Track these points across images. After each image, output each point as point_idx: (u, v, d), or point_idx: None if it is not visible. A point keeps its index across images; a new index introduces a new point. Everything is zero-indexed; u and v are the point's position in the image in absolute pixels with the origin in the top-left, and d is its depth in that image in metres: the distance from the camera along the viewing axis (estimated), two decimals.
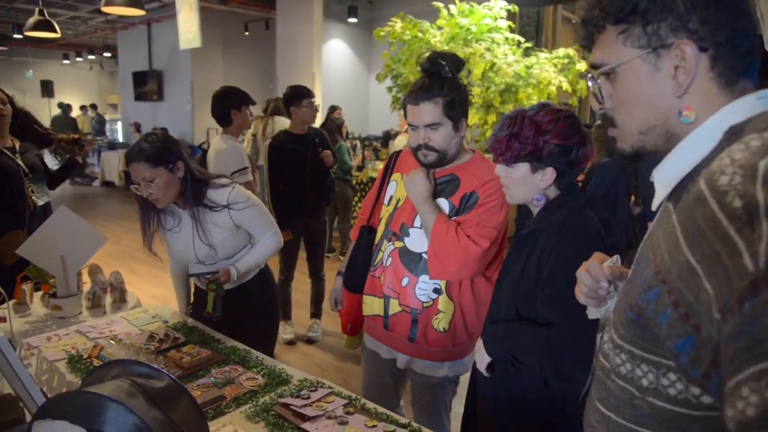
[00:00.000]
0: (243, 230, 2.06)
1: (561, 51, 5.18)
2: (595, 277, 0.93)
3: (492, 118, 4.97)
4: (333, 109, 5.59)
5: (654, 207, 0.76)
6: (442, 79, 1.61)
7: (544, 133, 1.30)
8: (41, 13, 5.80)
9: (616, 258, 0.95)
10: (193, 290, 2.29)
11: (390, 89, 5.25)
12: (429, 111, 1.61)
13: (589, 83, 0.80)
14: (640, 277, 0.69)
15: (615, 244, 1.33)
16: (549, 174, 1.33)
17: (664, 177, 0.74)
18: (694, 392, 0.64)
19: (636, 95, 0.75)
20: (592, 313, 0.97)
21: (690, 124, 0.72)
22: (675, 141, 0.74)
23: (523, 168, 1.34)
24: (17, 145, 2.64)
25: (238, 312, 2.09)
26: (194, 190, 1.92)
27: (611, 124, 0.81)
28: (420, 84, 1.63)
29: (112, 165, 10.70)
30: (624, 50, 0.75)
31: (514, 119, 1.34)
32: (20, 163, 2.60)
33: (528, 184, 1.36)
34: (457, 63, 1.65)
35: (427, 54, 1.66)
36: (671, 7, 0.70)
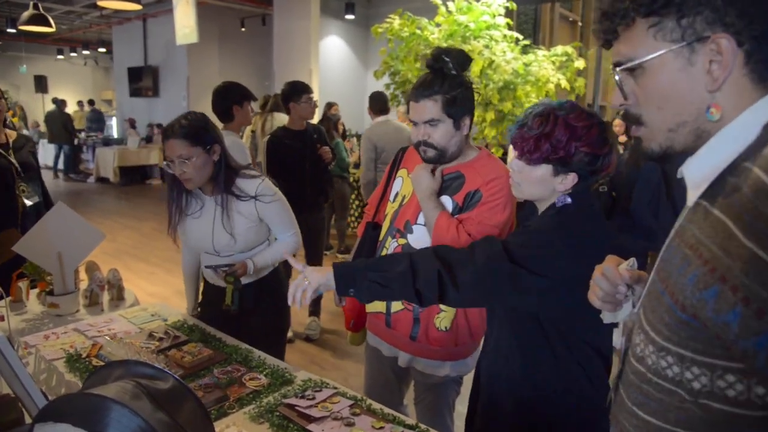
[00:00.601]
0: (265, 225, 2.05)
1: (559, 48, 5.16)
2: (612, 281, 0.91)
3: (490, 115, 4.94)
4: (330, 105, 5.56)
5: (690, 203, 0.74)
6: (444, 76, 1.60)
7: (578, 138, 1.23)
8: (35, 7, 5.75)
9: (632, 261, 0.92)
10: (201, 289, 2.27)
11: (388, 86, 5.21)
12: (428, 108, 1.60)
13: (616, 78, 0.78)
14: (681, 276, 0.67)
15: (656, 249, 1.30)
16: (570, 179, 1.27)
17: (697, 173, 0.72)
18: (759, 392, 0.62)
19: (667, 90, 0.73)
20: (607, 318, 0.95)
21: (718, 121, 0.70)
22: (705, 138, 0.72)
23: (545, 169, 1.28)
24: (11, 141, 2.58)
25: (252, 308, 2.07)
26: (226, 176, 1.92)
27: (637, 123, 0.79)
28: (422, 80, 1.62)
29: (107, 161, 10.63)
30: (654, 44, 0.72)
31: (545, 118, 1.26)
32: (13, 160, 2.54)
33: (544, 185, 1.30)
34: (462, 59, 1.63)
35: (430, 51, 1.64)
36: (708, 0, 0.68)
